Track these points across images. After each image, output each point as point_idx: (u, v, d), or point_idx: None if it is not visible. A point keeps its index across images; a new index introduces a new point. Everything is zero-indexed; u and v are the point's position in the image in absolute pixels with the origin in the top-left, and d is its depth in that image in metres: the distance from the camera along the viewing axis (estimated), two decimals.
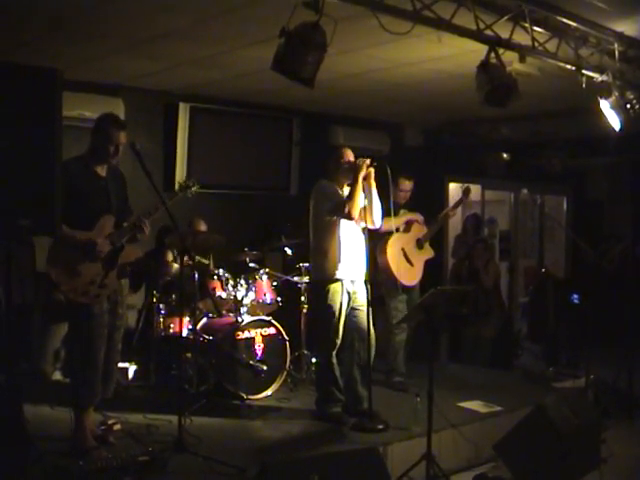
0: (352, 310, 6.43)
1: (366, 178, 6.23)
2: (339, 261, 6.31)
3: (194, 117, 8.97)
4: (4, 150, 3.72)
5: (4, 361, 4.56)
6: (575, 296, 9.46)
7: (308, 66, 4.81)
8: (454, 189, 10.76)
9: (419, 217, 7.73)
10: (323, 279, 6.38)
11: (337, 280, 6.32)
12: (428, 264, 7.80)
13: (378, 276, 7.39)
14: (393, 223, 6.86)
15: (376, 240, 7.16)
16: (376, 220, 6.40)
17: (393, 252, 7.37)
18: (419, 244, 7.67)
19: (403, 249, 7.48)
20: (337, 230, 6.33)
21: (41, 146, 3.86)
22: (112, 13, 5.80)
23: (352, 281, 6.38)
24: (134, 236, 5.55)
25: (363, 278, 6.39)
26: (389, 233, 7.23)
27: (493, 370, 8.76)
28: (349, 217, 6.22)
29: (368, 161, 6.22)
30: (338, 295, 6.32)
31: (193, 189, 6.01)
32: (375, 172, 6.26)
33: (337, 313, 6.32)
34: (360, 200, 6.20)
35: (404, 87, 8.37)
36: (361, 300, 6.42)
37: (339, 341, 6.38)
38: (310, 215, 6.53)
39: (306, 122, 10.05)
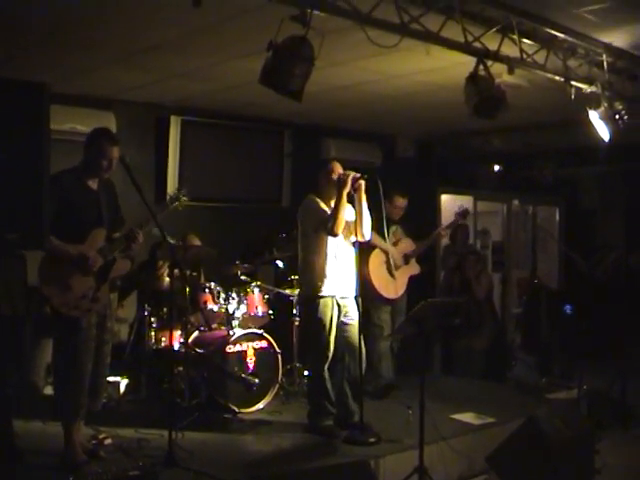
0: (343, 324, 6.41)
1: (356, 190, 6.22)
2: (327, 277, 6.30)
3: (185, 130, 8.97)
4: None
5: None
6: (568, 307, 9.44)
7: (296, 79, 4.81)
8: (450, 202, 10.78)
9: (408, 244, 7.84)
10: (312, 294, 6.37)
11: (326, 295, 6.31)
12: (416, 277, 7.86)
13: (362, 288, 7.42)
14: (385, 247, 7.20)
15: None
16: (366, 233, 6.39)
17: (375, 264, 7.45)
18: (405, 259, 7.75)
19: (386, 262, 7.52)
20: (324, 245, 6.31)
21: (29, 160, 3.85)
22: (103, 26, 5.81)
23: (342, 297, 6.38)
24: (128, 246, 5.51)
25: (353, 293, 6.38)
26: (373, 246, 7.27)
27: (486, 382, 8.74)
28: (332, 234, 6.22)
29: (353, 175, 6.21)
30: (328, 309, 6.31)
31: (182, 199, 5.96)
32: (365, 185, 6.25)
33: (328, 326, 6.30)
34: (343, 217, 6.19)
35: (394, 99, 8.39)
36: (351, 314, 6.42)
37: (330, 354, 6.36)
38: (298, 231, 6.54)
39: (297, 134, 10.06)
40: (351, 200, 6.27)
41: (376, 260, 7.46)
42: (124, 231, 5.54)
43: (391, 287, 7.46)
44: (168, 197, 6.00)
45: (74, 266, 5.24)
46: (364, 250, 7.19)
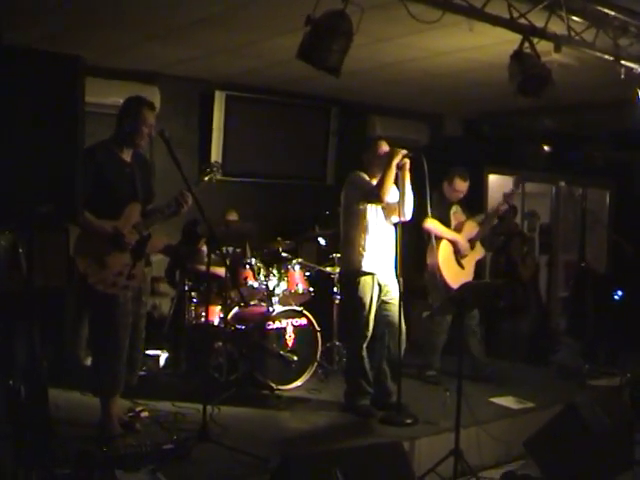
0: (383, 303, 6.37)
1: (401, 169, 6.15)
2: (367, 252, 6.26)
3: (230, 105, 8.96)
4: (26, 138, 3.71)
5: (26, 346, 4.56)
6: (618, 292, 9.30)
7: (334, 55, 4.74)
8: (497, 182, 10.65)
9: (472, 228, 7.61)
10: (352, 271, 6.34)
11: (366, 273, 6.26)
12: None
13: (426, 277, 7.34)
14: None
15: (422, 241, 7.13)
16: (407, 213, 6.31)
17: (445, 256, 7.34)
18: (471, 244, 7.55)
19: (455, 252, 7.41)
20: (366, 222, 6.28)
21: (63, 133, 3.82)
22: (147, 2, 5.79)
23: (382, 274, 6.32)
24: (178, 209, 5.43)
25: (394, 272, 6.33)
26: (439, 238, 7.22)
27: (529, 365, 8.63)
28: (380, 200, 6.17)
29: (404, 151, 6.15)
30: (369, 287, 6.27)
31: (214, 174, 5.79)
32: (411, 164, 6.17)
33: (368, 305, 6.26)
34: (390, 184, 6.13)
35: (440, 77, 8.29)
36: (393, 294, 6.37)
37: (369, 334, 6.32)
38: (341, 206, 6.48)
39: (344, 111, 9.99)
40: (395, 179, 6.20)
41: (445, 252, 7.34)
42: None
43: (461, 278, 7.22)
44: (206, 169, 5.84)
45: (110, 243, 5.22)
46: (432, 242, 7.14)
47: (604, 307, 9.46)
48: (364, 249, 6.26)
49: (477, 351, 7.57)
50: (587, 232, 11.98)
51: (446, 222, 7.38)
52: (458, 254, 7.42)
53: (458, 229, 7.49)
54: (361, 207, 6.28)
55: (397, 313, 6.26)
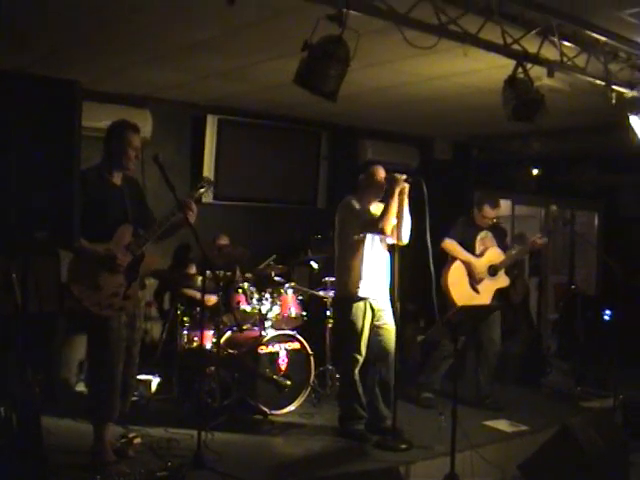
0: (376, 328, 6.37)
1: (400, 194, 6.17)
2: (363, 280, 6.26)
3: (222, 129, 8.97)
4: (23, 162, 3.70)
5: (18, 371, 4.52)
6: (607, 312, 9.31)
7: (331, 80, 4.75)
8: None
9: (496, 255, 7.50)
10: (346, 296, 6.34)
11: (360, 298, 6.26)
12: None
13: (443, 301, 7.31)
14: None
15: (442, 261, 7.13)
16: (404, 237, 6.31)
17: (455, 278, 7.29)
18: (492, 271, 7.45)
19: (469, 275, 7.34)
20: (362, 248, 6.29)
21: (60, 158, 3.82)
22: (138, 25, 5.82)
23: (376, 299, 6.32)
24: (185, 218, 5.39)
25: (388, 297, 6.33)
26: (453, 258, 7.21)
27: (521, 388, 8.63)
28: (382, 232, 6.18)
29: (404, 176, 6.17)
30: (362, 312, 6.27)
31: (205, 190, 5.84)
32: (409, 189, 6.19)
33: (360, 330, 6.26)
34: (393, 215, 6.14)
35: (432, 101, 8.32)
36: (386, 318, 6.38)
37: (362, 358, 6.32)
38: (335, 231, 6.49)
39: (334, 136, 10.02)
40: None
41: (456, 273, 7.29)
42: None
43: (473, 302, 7.20)
44: (198, 184, 5.82)
45: (102, 265, 5.20)
46: (444, 262, 7.12)
47: (594, 329, 9.47)
48: (360, 276, 6.26)
49: (484, 378, 7.56)
50: (577, 254, 12.04)
51: (471, 246, 7.36)
52: (472, 278, 7.37)
53: (481, 254, 7.43)
54: (358, 237, 6.28)
55: (390, 338, 6.29)
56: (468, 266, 7.33)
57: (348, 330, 6.30)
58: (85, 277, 5.19)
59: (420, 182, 6.07)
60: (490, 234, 7.50)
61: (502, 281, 7.57)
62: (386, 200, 6.17)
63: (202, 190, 5.77)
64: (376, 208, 6.36)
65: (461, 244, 7.30)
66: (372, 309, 6.32)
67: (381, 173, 6.36)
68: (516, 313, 9.32)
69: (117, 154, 5.39)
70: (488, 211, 7.42)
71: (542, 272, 11.74)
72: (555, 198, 11.03)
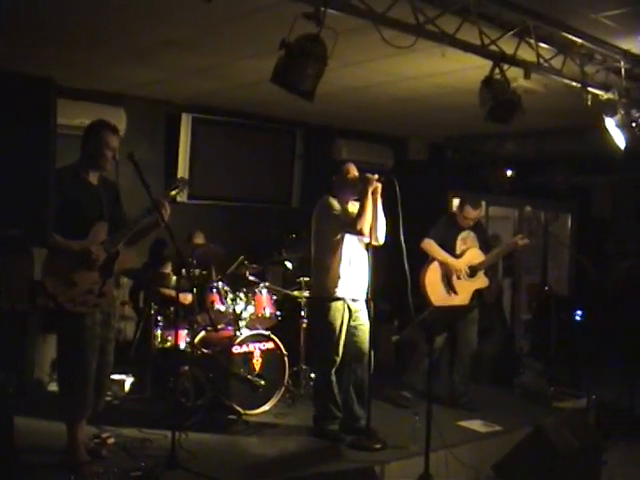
0: (352, 328, 6.35)
1: (373, 193, 6.15)
2: (341, 279, 6.25)
3: (196, 128, 8.92)
4: None
5: None
6: (578, 312, 9.37)
7: (308, 79, 4.73)
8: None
9: (475, 255, 7.50)
10: (324, 296, 6.31)
11: (338, 298, 6.25)
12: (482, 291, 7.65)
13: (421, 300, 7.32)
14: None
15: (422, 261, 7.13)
16: (380, 237, 6.31)
17: (432, 278, 7.28)
18: (471, 271, 7.44)
19: (447, 275, 7.34)
20: (340, 247, 6.26)
21: (34, 156, 3.78)
22: (113, 21, 5.77)
23: (353, 299, 6.31)
24: (161, 218, 5.40)
25: (364, 296, 6.34)
26: (431, 259, 7.20)
27: (494, 388, 8.67)
28: (360, 233, 6.16)
29: (376, 176, 6.15)
30: (339, 313, 6.26)
31: (180, 189, 5.84)
32: (382, 188, 6.18)
33: (337, 331, 6.24)
34: (370, 215, 6.11)
35: (408, 101, 8.33)
36: (362, 319, 6.37)
37: (338, 359, 6.31)
38: (312, 231, 6.46)
39: (309, 135, 10.00)
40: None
41: (433, 275, 7.29)
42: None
43: (450, 303, 7.22)
44: (173, 184, 5.81)
45: (78, 261, 5.17)
46: (421, 262, 7.12)
47: (567, 329, 9.53)
48: (339, 276, 6.24)
49: (459, 378, 7.57)
50: (550, 255, 12.10)
51: (452, 246, 7.36)
52: (450, 278, 7.36)
53: (460, 255, 7.43)
54: (337, 237, 6.26)
55: (365, 338, 6.28)
56: (446, 267, 7.33)
57: (325, 331, 6.28)
58: (60, 273, 5.15)
59: (393, 181, 6.06)
60: (472, 234, 7.52)
61: (481, 282, 7.57)
62: (361, 200, 6.16)
63: (176, 191, 5.74)
64: (353, 207, 6.34)
65: (442, 244, 7.29)
66: (349, 309, 6.30)
67: (354, 171, 6.35)
68: (490, 313, 9.34)
69: (94, 154, 5.37)
70: (470, 211, 7.43)
71: (515, 273, 11.78)
72: (529, 199, 11.10)
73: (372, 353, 6.26)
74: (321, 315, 6.31)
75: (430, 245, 7.24)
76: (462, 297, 7.40)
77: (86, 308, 5.22)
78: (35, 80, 3.77)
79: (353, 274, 6.28)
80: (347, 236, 6.26)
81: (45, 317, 7.01)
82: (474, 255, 7.47)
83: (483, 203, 8.30)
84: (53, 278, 5.17)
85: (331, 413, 6.36)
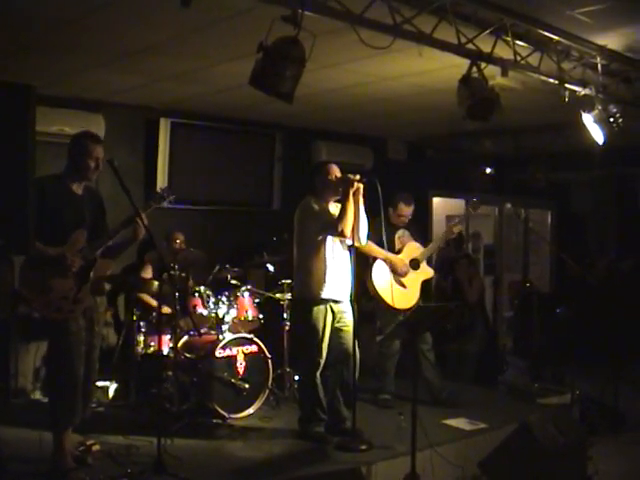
0: (337, 330, 6.34)
1: (355, 194, 6.14)
2: (324, 281, 6.22)
3: (175, 132, 8.89)
4: None
5: None
6: (560, 310, 9.41)
7: (286, 81, 4.73)
8: (441, 205, 10.73)
9: (414, 249, 7.55)
10: (307, 299, 6.29)
11: (322, 300, 6.24)
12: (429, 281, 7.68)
13: (371, 299, 7.32)
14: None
15: (364, 265, 7.09)
16: (362, 237, 6.31)
17: (379, 277, 7.25)
18: (414, 264, 7.46)
19: (393, 271, 7.30)
20: (323, 249, 6.24)
21: (14, 164, 3.77)
22: (90, 27, 5.72)
23: (337, 301, 6.31)
24: (135, 234, 5.48)
25: (348, 297, 6.32)
26: (373, 259, 7.19)
27: (478, 386, 8.69)
28: (342, 235, 6.13)
29: (357, 176, 6.14)
30: (322, 315, 6.24)
31: (168, 200, 5.86)
32: (364, 189, 6.18)
33: (321, 333, 6.23)
34: (351, 217, 6.08)
35: (386, 102, 8.33)
36: (346, 320, 6.35)
37: (322, 361, 6.30)
38: (295, 233, 6.44)
39: (288, 137, 9.99)
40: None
41: (380, 273, 7.26)
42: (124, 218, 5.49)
43: (404, 298, 7.20)
44: (157, 193, 5.87)
45: (53, 267, 5.19)
46: (367, 264, 7.12)
47: (549, 326, 9.57)
48: (322, 279, 6.22)
49: (431, 375, 7.54)
50: (531, 252, 12.16)
51: (390, 245, 7.36)
52: (396, 273, 7.35)
53: (399, 251, 7.45)
54: (319, 238, 6.24)
55: (350, 339, 6.26)
56: (389, 263, 7.31)
57: (309, 333, 6.26)
58: (36, 279, 5.19)
59: (374, 181, 6.06)
60: (407, 232, 7.59)
61: (426, 272, 7.62)
62: (342, 202, 6.15)
63: (159, 202, 5.77)
64: (335, 208, 6.32)
65: (380, 245, 7.30)
66: (332, 311, 6.30)
67: (335, 172, 6.34)
68: (472, 312, 9.38)
69: (77, 164, 5.41)
70: (403, 208, 7.53)
71: (497, 270, 11.83)
72: (509, 197, 11.15)
73: (357, 355, 6.27)
74: (304, 317, 6.29)
75: (369, 246, 7.19)
76: (412, 289, 7.42)
77: (61, 314, 5.23)
78: (14, 88, 3.76)
79: (336, 275, 6.26)
80: (329, 238, 6.25)
81: (27, 325, 6.99)
82: (412, 249, 7.52)
83: (458, 201, 8.33)
84: (29, 284, 5.21)
85: (316, 415, 6.35)
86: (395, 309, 7.07)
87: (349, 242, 6.24)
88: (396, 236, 7.46)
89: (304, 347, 6.42)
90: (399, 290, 7.27)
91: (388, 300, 7.13)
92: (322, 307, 6.23)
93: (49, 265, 5.18)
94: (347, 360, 6.28)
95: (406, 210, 7.53)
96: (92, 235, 5.44)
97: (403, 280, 7.36)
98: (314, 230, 6.23)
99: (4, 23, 5.59)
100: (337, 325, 6.33)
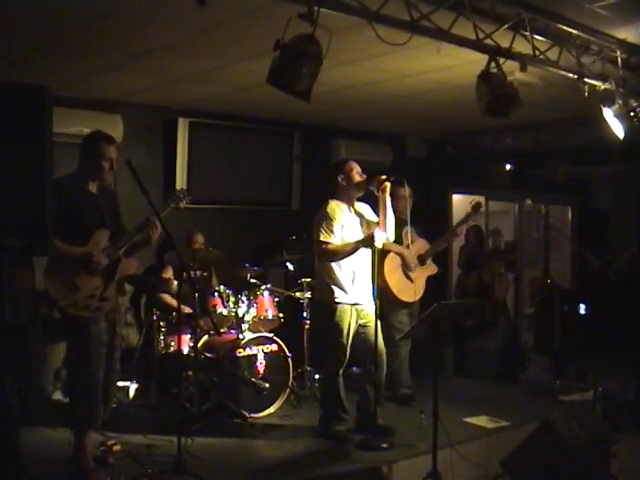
0: (361, 327, 6.32)
1: (382, 192, 6.16)
2: (346, 285, 6.22)
3: (193, 132, 8.89)
4: None
5: None
6: (582, 306, 9.35)
7: (303, 79, 4.71)
8: (462, 202, 10.68)
9: (422, 245, 7.60)
10: (328, 300, 6.26)
11: (344, 302, 6.22)
12: (433, 277, 7.68)
13: (380, 293, 7.31)
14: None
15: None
16: (390, 237, 6.36)
17: (390, 269, 7.26)
18: (420, 260, 7.51)
19: (402, 265, 7.35)
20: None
21: (32, 165, 3.77)
22: (106, 29, 5.73)
23: (359, 303, 6.29)
24: (148, 237, 5.48)
25: (371, 297, 6.29)
26: (386, 251, 7.18)
27: (499, 383, 8.65)
28: (326, 258, 6.21)
29: (384, 176, 6.15)
30: (346, 314, 6.22)
31: (185, 201, 5.85)
32: (391, 187, 6.20)
33: (345, 331, 6.21)
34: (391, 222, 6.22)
35: (405, 99, 8.29)
36: (370, 316, 6.31)
37: (345, 360, 6.28)
38: (314, 235, 6.38)
39: (307, 135, 9.97)
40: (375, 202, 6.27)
41: (391, 264, 7.27)
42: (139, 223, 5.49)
43: (410, 290, 7.24)
44: (173, 196, 5.87)
45: (79, 266, 5.21)
46: (379, 256, 7.11)
47: (570, 322, 9.51)
48: (343, 282, 6.21)
49: (406, 377, 7.57)
50: (551, 248, 12.09)
51: (399, 240, 7.33)
52: (405, 268, 7.37)
53: (408, 246, 7.43)
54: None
55: (373, 335, 6.20)
56: (401, 257, 7.34)
57: (332, 333, 6.24)
58: (62, 278, 5.19)
59: (403, 180, 6.06)
60: (412, 228, 7.54)
61: (431, 269, 7.69)
62: (381, 212, 6.18)
63: (175, 203, 5.76)
64: (360, 208, 6.41)
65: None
66: (356, 310, 6.27)
67: (357, 168, 6.33)
68: (494, 308, 9.33)
69: (91, 166, 5.43)
70: (400, 189, 7.46)
71: (518, 267, 11.76)
72: (529, 193, 11.08)
73: (384, 351, 6.30)
74: (327, 317, 6.26)
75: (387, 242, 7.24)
76: (418, 284, 7.45)
77: (88, 312, 5.25)
78: (31, 89, 3.77)
79: (357, 276, 6.25)
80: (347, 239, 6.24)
81: (48, 327, 7.01)
82: (420, 245, 7.56)
83: (480, 198, 8.31)
84: (55, 283, 5.20)
85: (337, 415, 6.35)
86: (400, 301, 7.23)
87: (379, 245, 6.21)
88: (403, 232, 7.45)
89: (327, 346, 6.41)
90: (406, 282, 7.33)
91: (394, 290, 7.20)
92: (346, 307, 6.21)
93: (75, 264, 5.20)
94: (375, 357, 6.22)
95: (402, 190, 7.38)
96: (112, 234, 5.45)
97: (411, 274, 7.38)
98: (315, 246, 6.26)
99: (21, 26, 5.61)
100: (361, 322, 6.31)
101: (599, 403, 7.38)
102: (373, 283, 6.23)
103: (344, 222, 6.27)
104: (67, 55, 6.44)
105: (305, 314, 7.87)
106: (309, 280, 7.57)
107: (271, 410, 6.94)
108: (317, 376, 7.57)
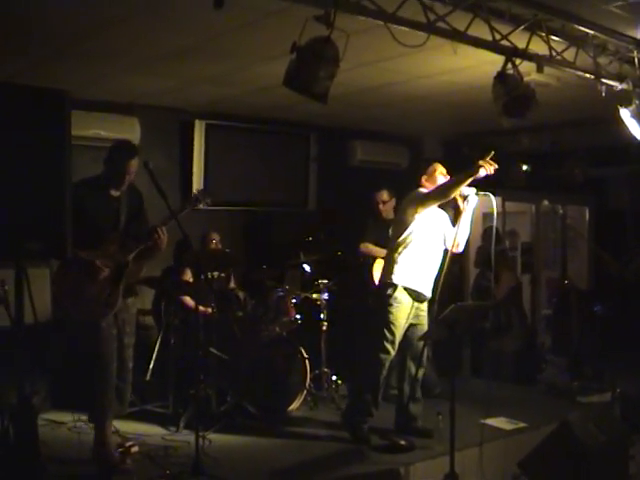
0: (412, 326, 6.36)
1: (466, 200, 6.28)
2: (409, 268, 6.25)
3: (210, 134, 8.93)
4: (14, 173, 3.68)
5: (17, 382, 4.50)
6: (598, 307, 9.31)
7: (320, 81, 4.72)
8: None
9: None
10: (389, 282, 6.29)
11: (403, 288, 6.24)
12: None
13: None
14: None
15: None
16: (461, 245, 6.42)
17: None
18: None
19: None
20: (410, 236, 6.29)
21: (51, 168, 3.81)
22: (123, 32, 5.77)
23: (417, 293, 6.30)
24: (155, 245, 5.49)
25: (429, 296, 6.34)
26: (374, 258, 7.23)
27: (517, 385, 8.62)
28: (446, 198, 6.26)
29: (474, 190, 6.31)
30: (404, 306, 6.25)
31: (203, 203, 5.88)
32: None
33: (403, 323, 6.26)
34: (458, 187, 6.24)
35: (421, 100, 8.29)
36: (424, 319, 6.39)
37: (394, 351, 6.29)
38: (395, 221, 6.56)
39: (323, 137, 9.98)
40: (456, 212, 6.38)
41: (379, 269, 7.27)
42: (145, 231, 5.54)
43: None
44: (192, 196, 5.91)
45: (84, 272, 5.29)
46: (368, 264, 7.14)
47: (588, 323, 9.47)
48: (408, 266, 6.25)
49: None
50: (568, 249, 12.03)
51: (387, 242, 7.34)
52: None
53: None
54: (411, 218, 6.28)
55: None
56: None
57: (388, 322, 6.23)
58: (68, 283, 5.31)
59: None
60: None
61: None
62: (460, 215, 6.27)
63: (190, 207, 5.81)
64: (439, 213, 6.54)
65: (378, 244, 7.29)
66: (414, 306, 6.30)
67: (440, 168, 6.47)
68: (507, 310, 9.29)
69: (115, 175, 5.52)
70: (382, 195, 7.74)
71: (534, 268, 11.71)
72: (546, 193, 11.03)
73: (425, 352, 6.35)
74: (385, 305, 6.26)
75: (366, 247, 7.39)
76: None
77: (94, 317, 5.34)
78: (49, 93, 3.80)
79: (423, 270, 6.29)
80: (425, 234, 6.30)
81: (63, 329, 7.05)
82: None
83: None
84: (62, 288, 5.34)
85: (366, 407, 6.32)
86: None
87: (449, 246, 6.26)
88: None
89: (381, 334, 6.31)
90: None
91: None
92: (408, 299, 6.24)
93: (80, 269, 5.28)
94: (419, 357, 6.30)
95: (385, 196, 7.71)
96: (127, 237, 5.50)
97: None
98: (411, 207, 6.30)
99: (39, 29, 5.64)
100: (414, 321, 6.35)
101: (617, 404, 7.35)
102: (436, 282, 6.26)
103: (425, 214, 6.34)
104: (85, 59, 6.48)
105: (322, 315, 7.84)
106: (326, 282, 7.58)
107: (288, 411, 6.94)
108: (334, 377, 7.58)
